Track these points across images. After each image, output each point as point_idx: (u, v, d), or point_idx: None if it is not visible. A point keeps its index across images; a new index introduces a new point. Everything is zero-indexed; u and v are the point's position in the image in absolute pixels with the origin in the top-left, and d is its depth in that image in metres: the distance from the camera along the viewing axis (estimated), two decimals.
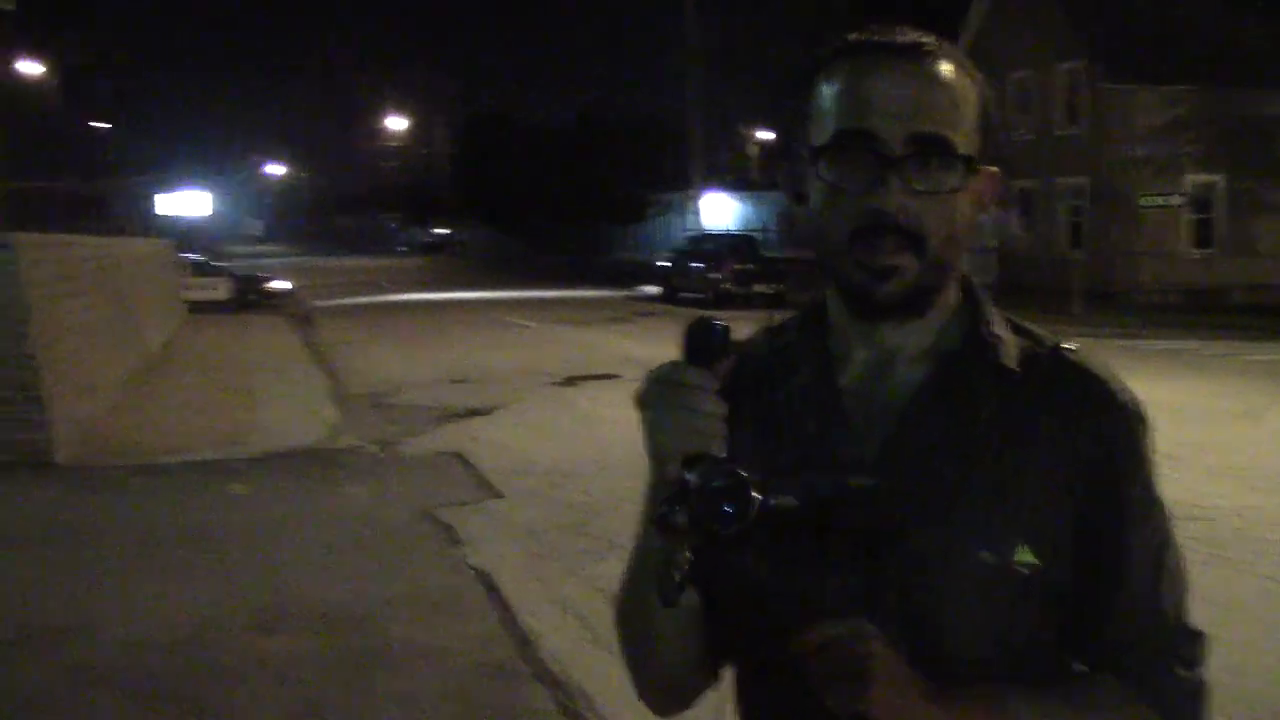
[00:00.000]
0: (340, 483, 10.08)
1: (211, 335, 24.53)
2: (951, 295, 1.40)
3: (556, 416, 13.27)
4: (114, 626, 6.41)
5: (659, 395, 1.27)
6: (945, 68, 1.33)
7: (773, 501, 1.19)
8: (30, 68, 48.57)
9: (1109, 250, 30.10)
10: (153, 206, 79.64)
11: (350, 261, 77.78)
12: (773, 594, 1.35)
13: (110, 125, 76.61)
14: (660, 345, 17.51)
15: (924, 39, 1.35)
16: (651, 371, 1.29)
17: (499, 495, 9.58)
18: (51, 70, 52.33)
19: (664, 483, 1.25)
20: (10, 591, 7.09)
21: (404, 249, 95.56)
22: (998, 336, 1.38)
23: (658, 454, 1.28)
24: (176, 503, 9.32)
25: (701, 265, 31.40)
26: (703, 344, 1.28)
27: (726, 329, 1.29)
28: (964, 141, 1.32)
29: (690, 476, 1.19)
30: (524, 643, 6.18)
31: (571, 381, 16.06)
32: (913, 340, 1.39)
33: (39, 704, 5.59)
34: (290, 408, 14.16)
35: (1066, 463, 1.33)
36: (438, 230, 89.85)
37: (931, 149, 1.30)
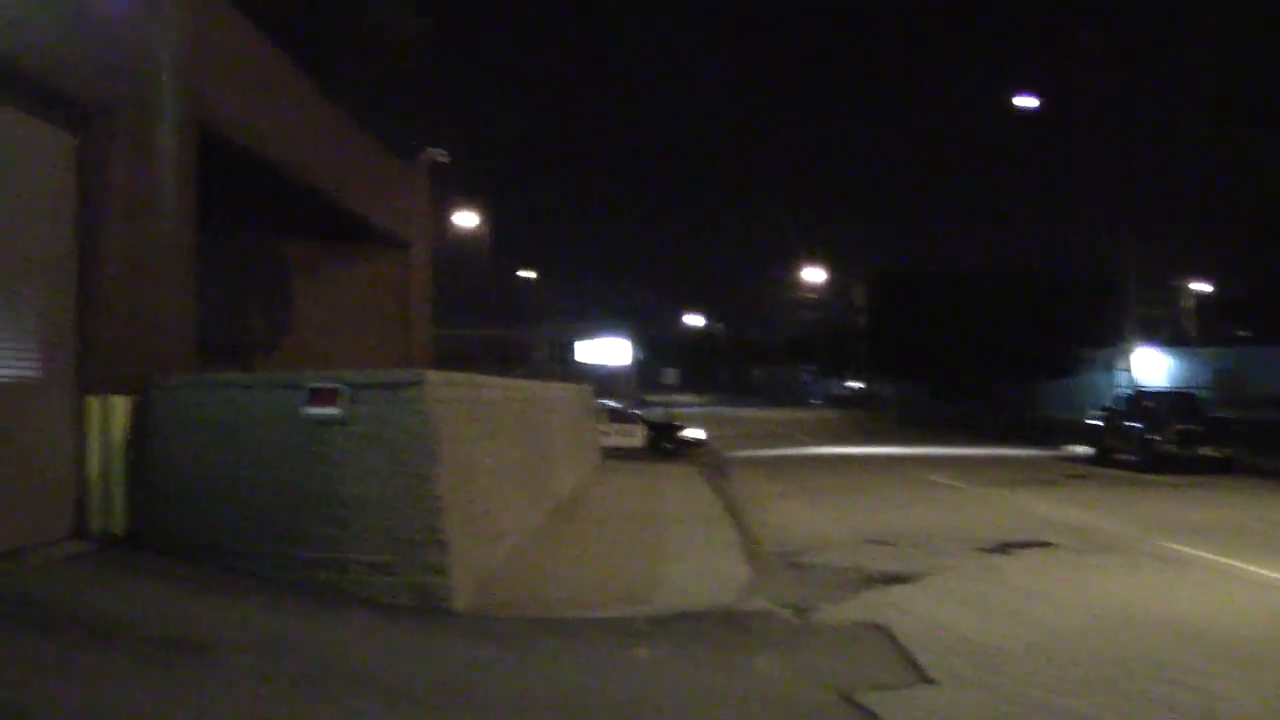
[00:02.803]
0: (751, 652, 9.10)
1: (624, 482, 24.35)
2: None
3: (988, 589, 11.87)
4: None
5: None
6: None
7: None
8: (464, 219, 51.29)
9: None
10: (573, 353, 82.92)
11: (763, 412, 78.06)
12: None
13: (534, 274, 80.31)
14: (1093, 511, 15.63)
15: None
16: None
17: (929, 680, 8.32)
18: (483, 221, 55.18)
19: None
20: None
21: (817, 401, 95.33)
22: None
23: None
24: (578, 665, 8.57)
25: (1138, 424, 28.98)
26: None
27: None
28: None
29: None
30: None
31: (1003, 549, 14.59)
32: None
33: None
34: (700, 563, 13.39)
35: None
36: (852, 383, 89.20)
37: None
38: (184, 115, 13.54)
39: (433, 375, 10.24)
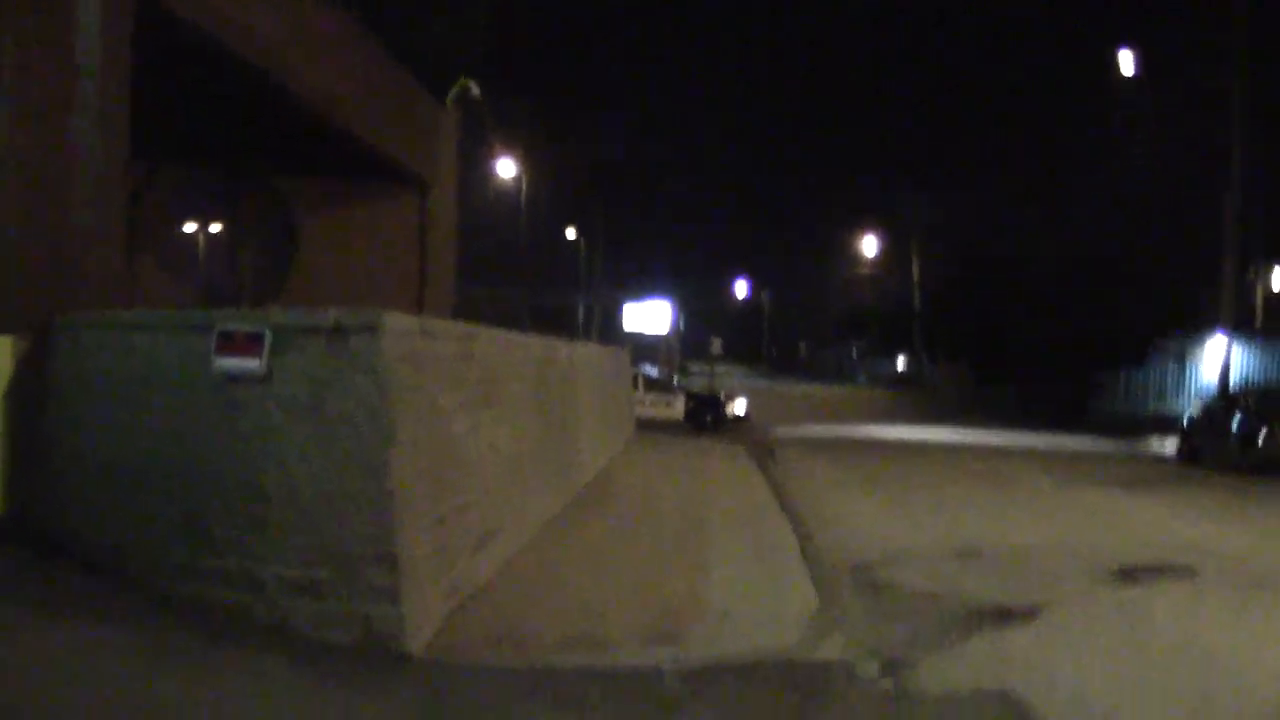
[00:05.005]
0: None
1: (661, 462, 21.44)
2: None
3: (1135, 635, 8.85)
4: None
5: None
6: None
7: None
8: (503, 169, 48.17)
9: None
10: (620, 320, 79.78)
11: (810, 388, 74.99)
12: None
13: (578, 234, 77.22)
14: (1221, 526, 12.30)
15: None
16: None
17: None
18: (523, 174, 52.00)
19: None
20: None
21: (865, 379, 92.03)
22: None
23: None
24: None
25: (1244, 422, 25.62)
26: None
27: None
28: None
29: None
30: None
31: (1132, 576, 11.52)
32: None
33: None
34: (749, 578, 10.46)
35: None
36: (902, 362, 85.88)
37: None
38: None
39: (395, 320, 7.30)
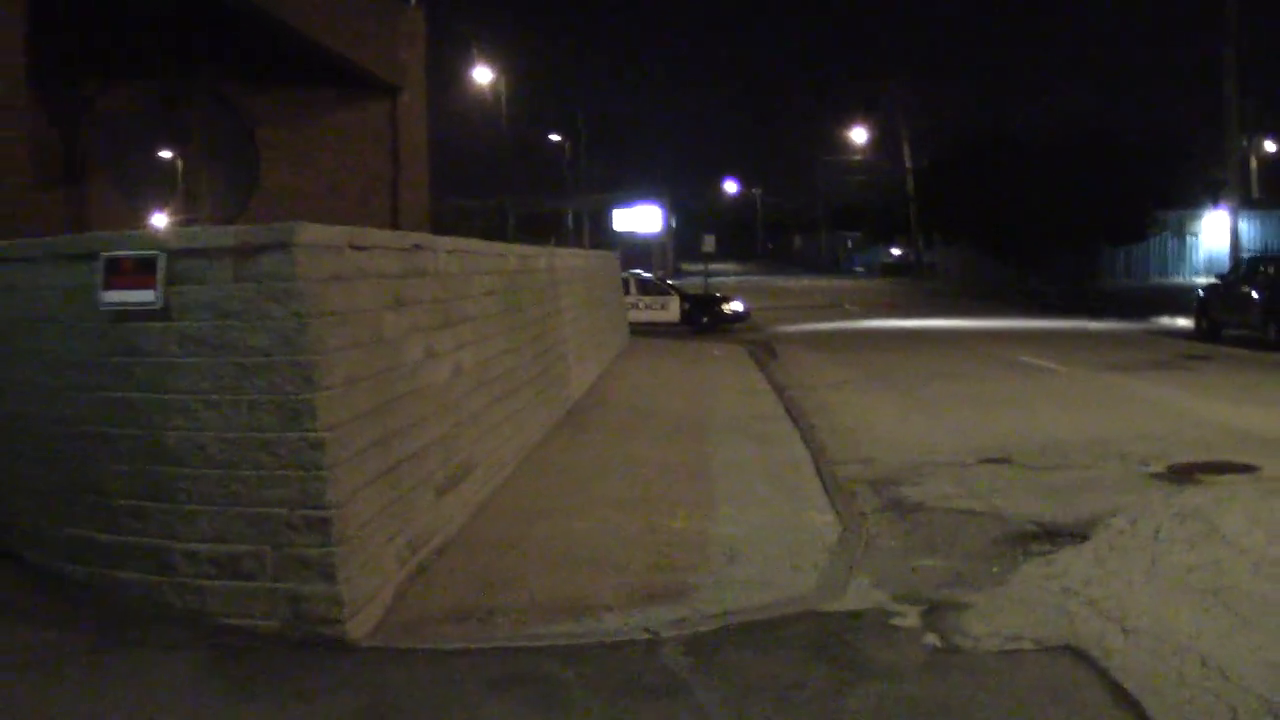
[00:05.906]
0: None
1: (657, 369, 20.20)
2: None
3: (1212, 555, 7.61)
4: None
5: None
6: None
7: None
8: (482, 75, 46.15)
9: None
10: (610, 223, 78.31)
11: (806, 281, 73.68)
12: None
13: (564, 138, 75.29)
14: (1267, 407, 10.08)
15: None
16: None
17: None
18: (502, 79, 50.01)
19: None
20: None
21: (861, 269, 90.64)
22: None
23: None
24: None
25: (1262, 294, 24.29)
26: None
27: None
28: None
29: None
30: None
31: (1184, 474, 10.32)
32: None
33: None
34: (759, 506, 9.21)
35: None
36: (897, 250, 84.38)
37: None
38: None
39: (313, 233, 5.96)
